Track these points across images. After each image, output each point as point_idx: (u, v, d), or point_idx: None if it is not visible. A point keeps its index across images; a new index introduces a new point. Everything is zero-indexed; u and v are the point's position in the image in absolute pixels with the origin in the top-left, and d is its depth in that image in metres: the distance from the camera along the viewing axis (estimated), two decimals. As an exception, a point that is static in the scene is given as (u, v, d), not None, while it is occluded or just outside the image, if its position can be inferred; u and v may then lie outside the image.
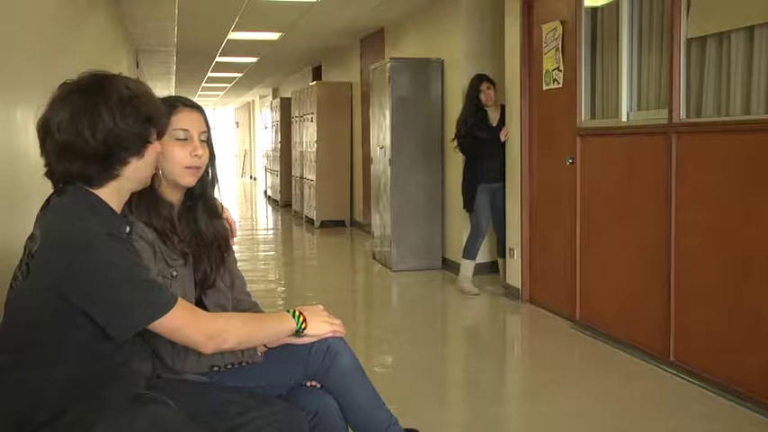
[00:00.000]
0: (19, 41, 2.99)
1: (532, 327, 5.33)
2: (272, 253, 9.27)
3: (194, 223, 2.14)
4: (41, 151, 1.76)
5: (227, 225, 2.28)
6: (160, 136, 1.86)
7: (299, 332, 2.01)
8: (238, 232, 12.08)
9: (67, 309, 1.65)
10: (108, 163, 1.73)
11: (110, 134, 1.71)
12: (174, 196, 2.09)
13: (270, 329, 1.97)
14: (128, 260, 1.69)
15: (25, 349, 1.69)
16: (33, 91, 3.10)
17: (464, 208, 6.21)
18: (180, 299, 1.74)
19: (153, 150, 1.82)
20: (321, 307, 2.11)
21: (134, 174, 1.79)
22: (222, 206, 2.29)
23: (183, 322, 1.73)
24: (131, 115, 1.73)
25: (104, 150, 1.71)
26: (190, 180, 2.06)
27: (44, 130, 1.73)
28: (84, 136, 1.69)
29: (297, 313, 2.01)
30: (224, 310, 2.16)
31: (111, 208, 1.77)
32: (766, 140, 3.41)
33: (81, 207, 1.71)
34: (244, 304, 2.30)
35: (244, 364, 2.06)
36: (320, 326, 2.05)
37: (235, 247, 2.33)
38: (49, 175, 1.77)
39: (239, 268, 2.35)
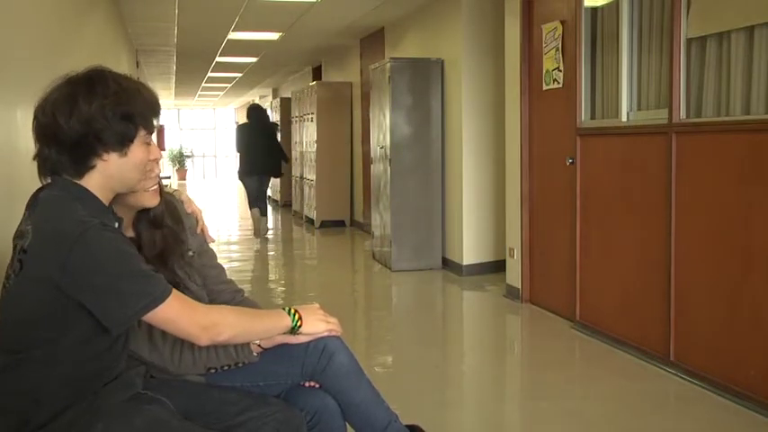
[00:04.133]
0: (19, 41, 2.99)
1: (532, 327, 5.33)
2: (272, 253, 9.26)
3: (139, 238, 2.05)
4: (34, 139, 1.79)
5: (194, 218, 2.25)
6: (150, 135, 1.84)
7: (294, 330, 2.00)
8: (239, 232, 12.00)
9: (63, 302, 1.64)
10: (80, 153, 1.73)
11: (83, 123, 1.71)
12: (126, 215, 1.99)
13: (265, 325, 1.97)
14: (122, 250, 1.69)
15: (23, 349, 1.69)
16: (33, 91, 3.10)
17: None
18: (174, 290, 1.73)
19: (139, 151, 1.79)
20: (317, 306, 2.11)
21: (116, 171, 1.77)
22: (188, 199, 2.26)
23: (178, 313, 1.72)
24: (110, 109, 1.72)
25: (77, 138, 1.71)
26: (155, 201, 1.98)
27: (34, 114, 1.78)
28: (58, 121, 1.71)
29: (293, 311, 2.01)
30: None
31: (99, 201, 1.77)
32: (766, 140, 3.41)
33: (70, 199, 1.71)
34: (225, 295, 2.29)
35: (240, 364, 2.05)
36: (316, 324, 2.05)
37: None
38: (36, 158, 1.79)
39: (221, 262, 2.30)
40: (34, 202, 1.77)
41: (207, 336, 1.77)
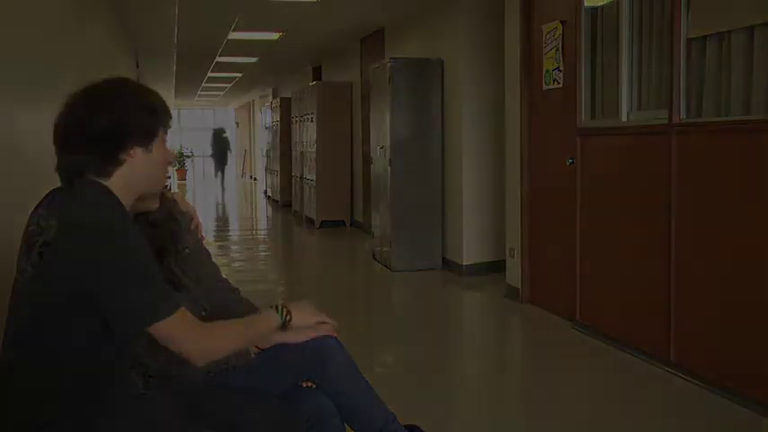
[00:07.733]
0: (20, 42, 2.99)
1: (532, 327, 5.33)
2: (272, 253, 9.27)
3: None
4: (56, 150, 1.79)
5: (189, 216, 2.28)
6: (166, 135, 1.87)
7: (284, 325, 2.00)
8: (238, 232, 12.09)
9: (77, 297, 1.63)
10: (109, 147, 1.74)
11: (110, 115, 1.73)
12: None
13: (259, 330, 1.98)
14: (144, 252, 1.69)
15: (27, 349, 1.69)
16: (33, 91, 3.11)
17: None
18: (183, 307, 1.72)
19: (162, 148, 1.83)
20: (307, 302, 2.11)
21: (142, 169, 1.79)
22: (181, 198, 2.29)
23: (182, 333, 1.71)
24: (134, 102, 1.77)
25: (105, 131, 1.73)
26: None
27: (54, 123, 1.77)
28: (84, 118, 1.73)
29: (280, 307, 2.01)
30: (197, 305, 2.14)
31: (122, 204, 1.77)
32: (766, 140, 3.42)
33: (97, 197, 1.72)
34: (220, 293, 2.31)
35: (238, 367, 2.07)
36: (306, 317, 2.06)
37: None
38: (59, 168, 1.78)
39: (221, 262, 2.34)
40: (52, 200, 1.76)
41: (204, 359, 1.79)
